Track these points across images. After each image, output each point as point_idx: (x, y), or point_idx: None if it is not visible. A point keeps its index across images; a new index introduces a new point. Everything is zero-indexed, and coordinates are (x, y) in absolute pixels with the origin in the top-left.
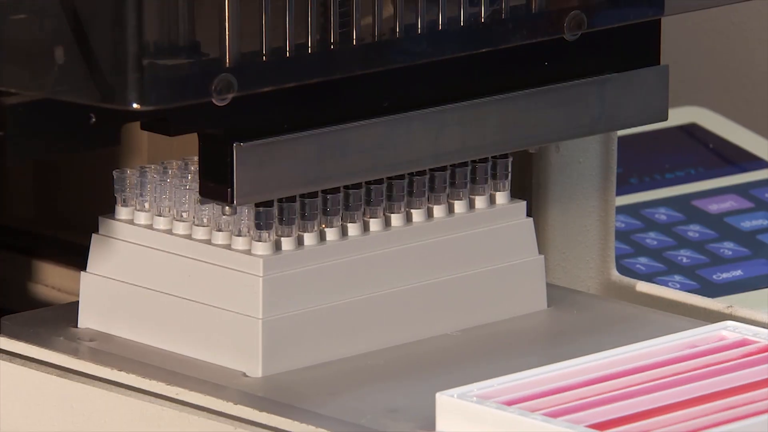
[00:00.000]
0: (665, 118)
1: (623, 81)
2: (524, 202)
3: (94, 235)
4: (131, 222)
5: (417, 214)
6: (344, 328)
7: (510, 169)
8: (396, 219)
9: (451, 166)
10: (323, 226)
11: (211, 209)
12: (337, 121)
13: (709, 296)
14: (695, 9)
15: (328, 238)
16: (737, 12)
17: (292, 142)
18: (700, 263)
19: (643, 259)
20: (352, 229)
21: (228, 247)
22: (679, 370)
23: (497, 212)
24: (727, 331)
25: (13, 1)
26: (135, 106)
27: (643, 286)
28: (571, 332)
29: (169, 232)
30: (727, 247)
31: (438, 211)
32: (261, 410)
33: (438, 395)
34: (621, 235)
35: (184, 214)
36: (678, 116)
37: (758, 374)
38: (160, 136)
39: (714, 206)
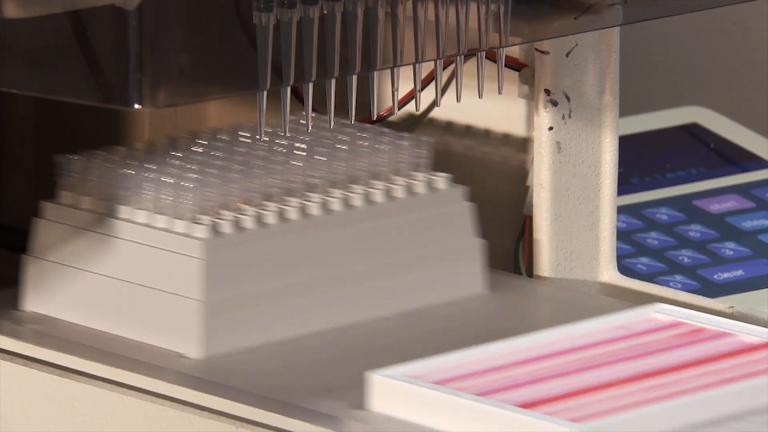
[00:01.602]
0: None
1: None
2: (464, 188)
3: (34, 219)
4: (72, 206)
5: (357, 199)
6: (284, 310)
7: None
8: (335, 203)
9: None
10: (263, 209)
11: (152, 193)
12: None
13: (710, 296)
14: (695, 9)
15: (267, 222)
16: (738, 12)
17: None
18: (702, 263)
19: (644, 259)
20: (292, 212)
21: (168, 230)
22: (610, 350)
23: (437, 197)
24: (659, 313)
25: (15, 1)
26: (136, 106)
27: (644, 286)
28: (508, 315)
29: (110, 215)
30: (729, 247)
31: (377, 195)
32: (199, 391)
33: (370, 375)
34: (622, 235)
35: (125, 198)
36: (679, 116)
37: (688, 355)
38: (161, 115)
39: (715, 206)
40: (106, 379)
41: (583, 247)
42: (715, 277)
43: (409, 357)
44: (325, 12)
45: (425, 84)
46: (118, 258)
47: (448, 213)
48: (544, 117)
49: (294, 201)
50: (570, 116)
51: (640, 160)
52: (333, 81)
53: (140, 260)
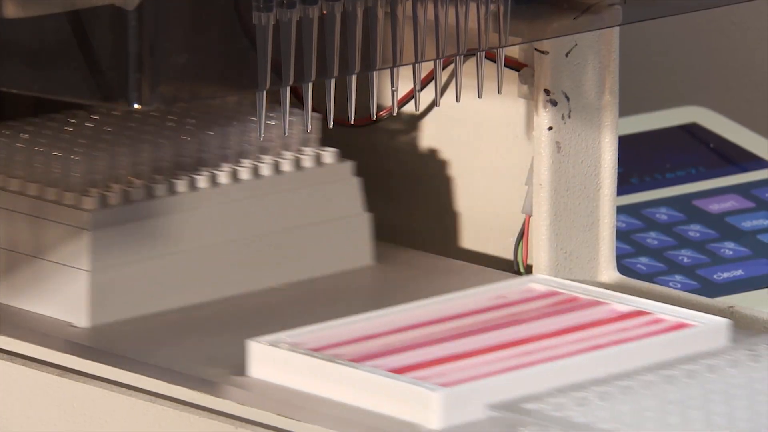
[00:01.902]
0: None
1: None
2: (351, 162)
3: None
4: None
5: (245, 172)
6: (171, 280)
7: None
8: (223, 176)
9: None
10: (152, 182)
11: (42, 166)
12: None
13: (709, 296)
14: (695, 9)
15: (155, 194)
16: (737, 12)
17: None
18: (701, 263)
19: (643, 259)
20: (181, 185)
21: (58, 202)
22: (486, 319)
23: (324, 171)
24: (536, 283)
25: (14, 1)
26: (135, 105)
27: (643, 286)
28: (392, 286)
29: (2, 189)
30: (728, 247)
31: (265, 169)
32: (85, 358)
33: (249, 342)
34: (622, 235)
35: (17, 171)
36: (678, 116)
37: (561, 323)
38: None
39: (715, 206)
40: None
41: (583, 246)
42: (715, 277)
43: (293, 326)
44: (324, 12)
45: (425, 84)
46: (10, 230)
47: (335, 187)
48: (544, 117)
49: (183, 175)
50: (569, 116)
51: (640, 160)
52: (332, 81)
53: (30, 231)
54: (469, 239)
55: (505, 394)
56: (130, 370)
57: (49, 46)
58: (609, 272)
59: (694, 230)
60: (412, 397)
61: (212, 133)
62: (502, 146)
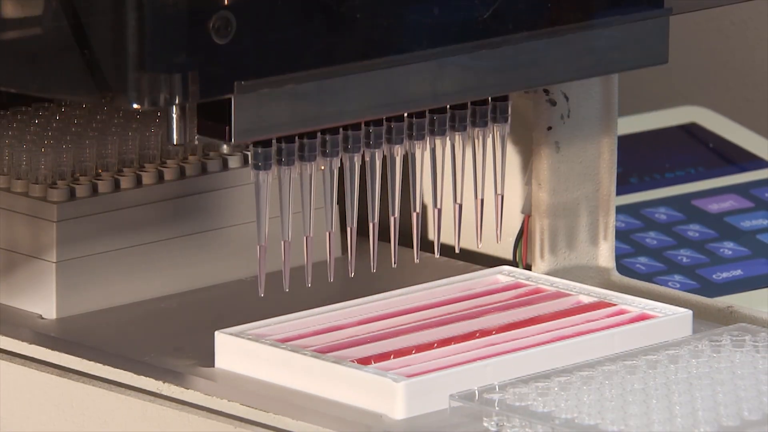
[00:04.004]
0: (665, 61)
1: (624, 23)
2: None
3: None
4: None
5: (213, 164)
6: (138, 271)
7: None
8: (190, 168)
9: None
10: (119, 175)
11: (11, 158)
12: (337, 61)
13: (709, 296)
14: (695, 9)
15: (122, 186)
16: (737, 12)
17: (291, 81)
18: (700, 263)
19: (643, 259)
20: (147, 177)
21: (26, 194)
22: (452, 310)
23: None
24: (502, 275)
25: (14, 1)
26: (135, 106)
27: (642, 286)
28: (360, 278)
29: None
30: (727, 247)
31: (233, 161)
32: (53, 349)
33: (217, 333)
34: (621, 235)
35: None
36: (678, 116)
37: (526, 314)
38: None
39: (714, 206)
40: (97, 376)
41: (582, 246)
42: (714, 276)
43: (261, 318)
44: (322, 168)
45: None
46: None
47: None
48: (543, 117)
49: (150, 167)
50: (569, 116)
51: (639, 159)
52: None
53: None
54: (469, 239)
55: (469, 385)
56: (96, 361)
57: (48, 45)
58: (608, 272)
59: (694, 230)
60: (376, 388)
61: None
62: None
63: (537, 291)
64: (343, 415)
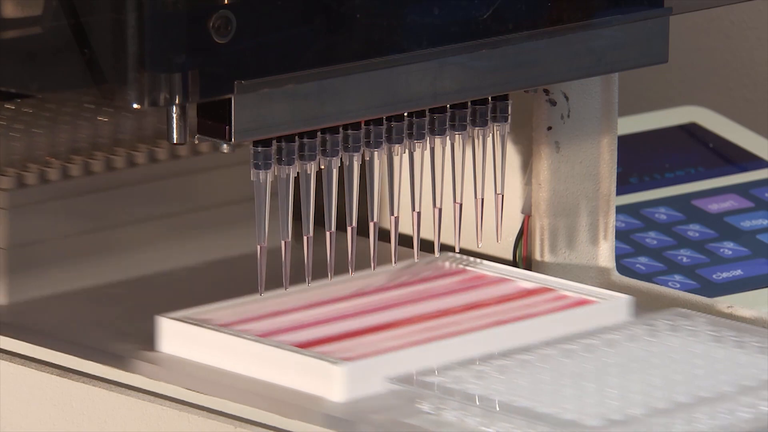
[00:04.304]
0: (665, 60)
1: (624, 22)
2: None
3: None
4: None
5: (161, 152)
6: (87, 258)
7: None
8: (140, 157)
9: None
10: (69, 163)
11: None
12: (337, 60)
13: (709, 296)
14: (695, 9)
15: (72, 174)
16: (737, 11)
17: (290, 80)
18: (700, 263)
19: (643, 259)
20: (96, 165)
21: None
22: (394, 295)
23: (228, 155)
24: (445, 261)
25: (13, 1)
26: (135, 105)
27: (642, 286)
28: (304, 263)
29: None
30: (727, 247)
31: (183, 150)
32: (2, 334)
33: (158, 318)
34: (621, 235)
35: None
36: (678, 116)
37: (468, 299)
38: None
39: (714, 206)
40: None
41: (582, 246)
42: (714, 276)
43: (205, 303)
44: (322, 167)
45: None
46: None
47: (245, 168)
48: (543, 117)
49: (99, 155)
50: (569, 116)
51: (639, 159)
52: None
53: None
54: (469, 239)
55: (408, 368)
56: (42, 346)
57: (48, 45)
58: (608, 272)
59: (694, 230)
60: (315, 371)
61: (129, 116)
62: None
63: (479, 277)
64: (283, 397)
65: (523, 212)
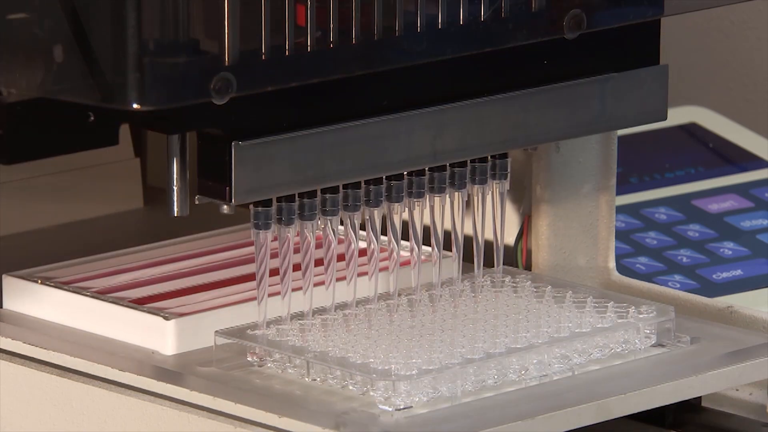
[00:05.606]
0: (664, 118)
1: (623, 80)
2: None
3: None
4: None
5: None
6: None
7: None
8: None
9: None
10: None
11: None
12: (337, 120)
13: (708, 296)
14: (695, 9)
15: None
16: (737, 11)
17: (290, 140)
18: (700, 263)
19: (643, 259)
20: None
21: None
22: (232, 255)
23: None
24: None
25: (13, 1)
26: (135, 106)
27: (642, 286)
28: (156, 227)
29: None
30: (727, 247)
31: None
32: None
33: (4, 276)
34: (621, 235)
35: None
36: (678, 116)
37: (301, 258)
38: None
39: (714, 206)
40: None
41: (582, 246)
42: (714, 276)
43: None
44: (323, 226)
45: None
46: None
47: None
48: None
49: None
50: None
51: (639, 159)
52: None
53: None
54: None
55: (238, 323)
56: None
57: (48, 46)
58: (608, 272)
59: (694, 230)
60: (148, 325)
61: None
62: None
63: (317, 238)
64: (117, 351)
65: (523, 212)
